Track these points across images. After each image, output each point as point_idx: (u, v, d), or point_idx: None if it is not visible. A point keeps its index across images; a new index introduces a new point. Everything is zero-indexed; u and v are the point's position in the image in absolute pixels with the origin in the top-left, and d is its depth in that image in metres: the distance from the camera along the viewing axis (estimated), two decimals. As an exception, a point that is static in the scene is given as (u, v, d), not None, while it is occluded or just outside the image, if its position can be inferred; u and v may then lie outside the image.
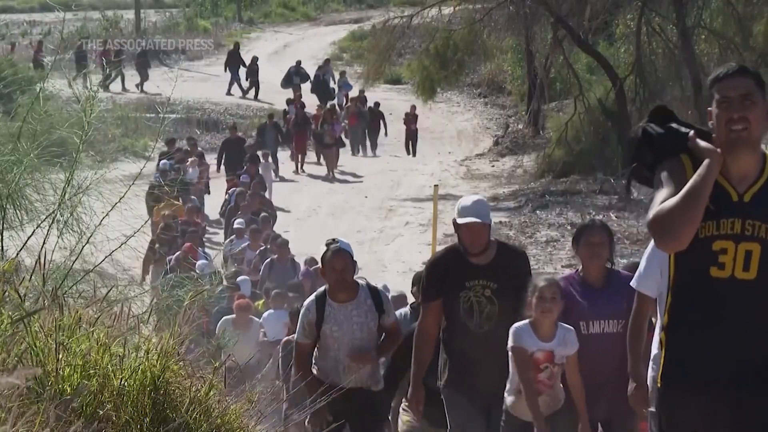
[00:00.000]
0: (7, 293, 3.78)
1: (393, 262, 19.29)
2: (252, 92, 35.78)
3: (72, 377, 3.72)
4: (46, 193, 5.46)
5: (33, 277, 4.26)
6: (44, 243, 5.12)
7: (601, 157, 24.86)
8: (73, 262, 5.26)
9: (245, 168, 22.05)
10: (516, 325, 6.38)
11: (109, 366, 3.82)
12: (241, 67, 35.86)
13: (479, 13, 27.16)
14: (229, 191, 20.69)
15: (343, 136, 29.10)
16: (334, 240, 7.00)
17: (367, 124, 30.88)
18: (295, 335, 7.15)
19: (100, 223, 5.40)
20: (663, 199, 3.80)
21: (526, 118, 31.53)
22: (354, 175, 27.73)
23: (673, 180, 3.85)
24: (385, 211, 23.71)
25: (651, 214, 3.79)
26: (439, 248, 19.39)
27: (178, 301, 4.91)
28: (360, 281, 7.11)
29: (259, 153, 24.12)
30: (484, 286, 6.50)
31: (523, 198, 23.59)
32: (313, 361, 7.05)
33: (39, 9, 46.51)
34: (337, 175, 27.61)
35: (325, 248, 6.91)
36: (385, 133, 31.23)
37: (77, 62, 34.31)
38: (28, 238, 5.26)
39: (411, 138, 31.18)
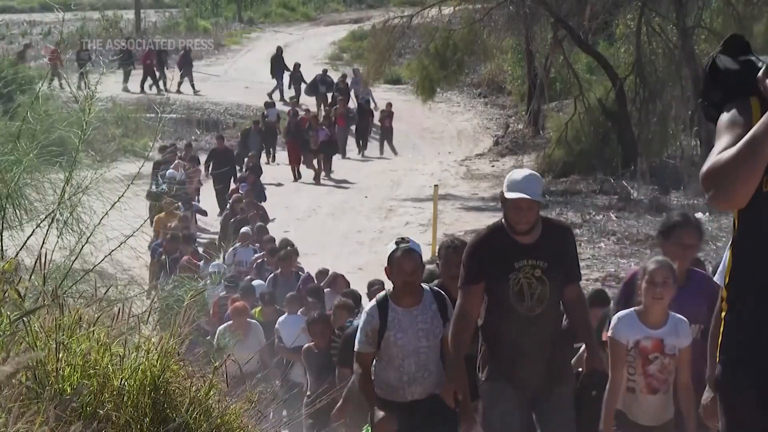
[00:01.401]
0: (7, 293, 3.78)
1: (393, 262, 19.26)
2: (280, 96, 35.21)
3: (72, 377, 3.71)
4: (45, 192, 5.45)
5: (33, 277, 4.25)
6: (44, 243, 5.12)
7: (601, 157, 24.86)
8: (73, 262, 5.26)
9: (245, 176, 22.07)
10: (620, 312, 5.93)
11: (109, 366, 3.81)
12: (284, 72, 35.21)
13: (479, 13, 27.15)
14: (230, 200, 20.73)
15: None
16: (404, 239, 6.46)
17: (357, 124, 30.63)
18: (356, 345, 6.46)
19: (99, 223, 5.40)
20: (721, 150, 3.20)
21: (526, 118, 31.53)
22: (346, 182, 27.35)
23: (736, 127, 3.24)
24: (385, 211, 23.70)
25: (705, 166, 3.19)
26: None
27: (178, 300, 4.91)
28: (423, 285, 6.52)
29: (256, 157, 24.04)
30: (533, 266, 6.03)
31: (523, 198, 23.56)
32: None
33: (39, 9, 46.50)
34: (326, 181, 27.24)
35: (394, 247, 6.36)
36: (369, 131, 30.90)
37: (78, 62, 34.40)
38: (28, 237, 5.26)
39: (386, 136, 30.89)
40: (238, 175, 23.88)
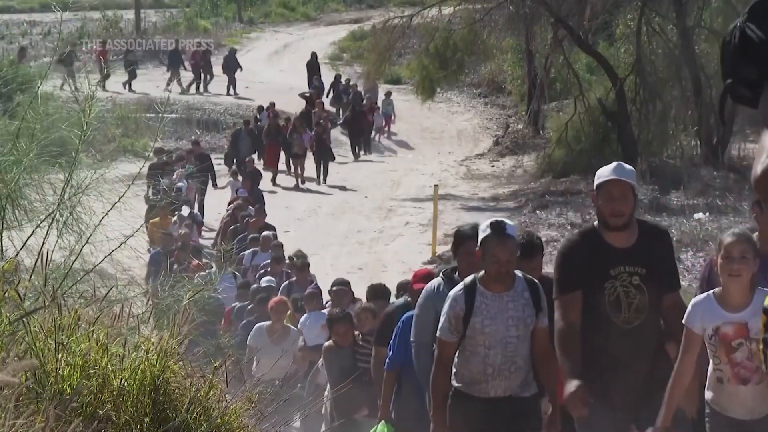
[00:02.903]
0: (6, 293, 3.78)
1: (393, 262, 19.28)
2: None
3: (72, 377, 3.71)
4: (45, 193, 5.46)
5: (33, 277, 4.25)
6: (44, 243, 5.12)
7: (601, 157, 24.81)
8: (73, 262, 5.26)
9: (240, 182, 21.87)
10: (696, 297, 5.35)
11: (108, 366, 3.81)
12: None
13: (479, 13, 27.15)
14: (228, 206, 20.42)
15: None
16: (499, 221, 5.78)
17: (348, 127, 30.31)
18: (438, 332, 5.88)
19: (99, 223, 5.40)
20: None
21: (526, 118, 31.53)
22: (345, 183, 27.09)
23: None
24: (385, 211, 23.70)
25: (758, 167, 2.59)
26: (439, 249, 19.61)
27: (177, 300, 4.91)
28: (516, 272, 5.91)
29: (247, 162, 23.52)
30: (631, 273, 5.54)
31: (523, 198, 23.59)
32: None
33: (39, 9, 46.50)
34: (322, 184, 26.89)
35: (488, 230, 5.71)
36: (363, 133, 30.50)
37: (125, 63, 34.91)
38: (28, 238, 5.26)
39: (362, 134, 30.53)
40: (235, 177, 23.62)
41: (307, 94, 32.00)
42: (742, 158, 25.00)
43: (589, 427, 5.57)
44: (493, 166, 28.53)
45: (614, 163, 5.73)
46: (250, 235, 16.33)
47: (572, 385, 5.38)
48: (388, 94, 32.81)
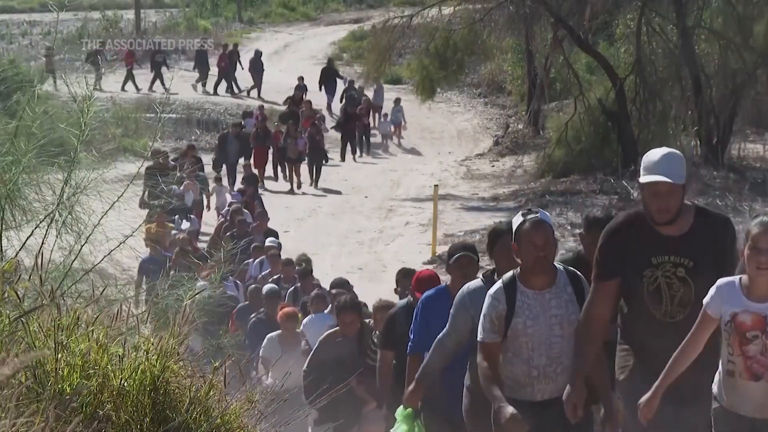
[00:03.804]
0: (6, 293, 3.78)
1: (393, 263, 19.26)
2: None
3: (71, 377, 3.71)
4: (44, 192, 5.45)
5: (32, 277, 4.25)
6: (43, 243, 5.11)
7: (601, 157, 24.87)
8: (72, 262, 5.25)
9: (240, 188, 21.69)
10: (721, 279, 4.96)
11: (108, 366, 3.81)
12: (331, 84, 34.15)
13: (479, 13, 27.13)
14: (223, 211, 20.25)
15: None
16: (530, 209, 5.60)
17: (341, 129, 30.01)
18: (479, 334, 5.59)
19: (98, 223, 5.39)
20: None
21: (526, 118, 31.53)
22: (343, 184, 26.98)
23: None
24: (385, 211, 23.70)
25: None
26: (439, 249, 19.61)
27: (177, 300, 4.90)
28: (557, 264, 5.65)
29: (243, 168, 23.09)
30: (676, 264, 5.11)
31: (523, 198, 23.58)
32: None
33: (39, 9, 46.52)
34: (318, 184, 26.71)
35: (520, 219, 5.50)
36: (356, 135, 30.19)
37: (153, 64, 34.99)
38: (27, 238, 5.26)
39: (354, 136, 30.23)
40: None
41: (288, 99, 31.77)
42: (742, 158, 25.00)
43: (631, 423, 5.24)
44: (493, 166, 28.52)
45: (665, 154, 5.14)
46: (254, 243, 16.20)
47: (577, 388, 5.18)
48: (398, 101, 32.28)
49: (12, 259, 4.63)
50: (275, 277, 14.33)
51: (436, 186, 21.23)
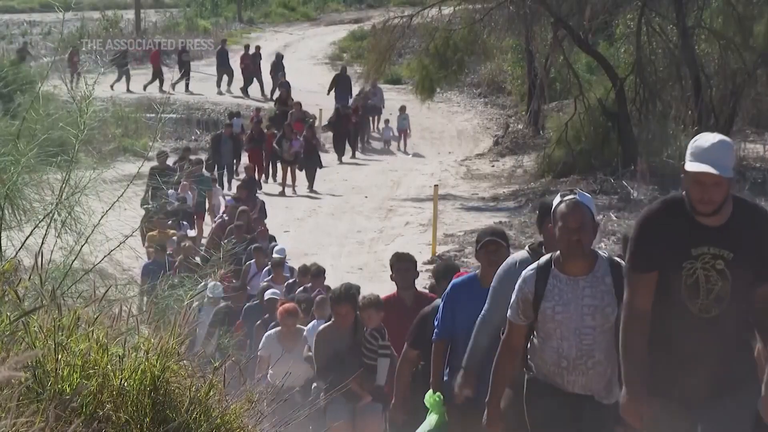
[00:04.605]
0: (6, 293, 3.78)
1: (393, 262, 19.25)
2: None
3: (71, 377, 3.71)
4: (44, 192, 5.45)
5: (32, 277, 4.25)
6: (43, 243, 5.11)
7: (601, 157, 24.86)
8: (72, 262, 5.25)
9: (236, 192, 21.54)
10: None
11: (108, 366, 3.81)
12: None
13: (479, 13, 27.13)
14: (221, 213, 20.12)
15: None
16: (571, 190, 5.35)
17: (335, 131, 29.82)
18: (508, 311, 5.41)
19: (98, 223, 5.39)
20: None
21: (526, 118, 31.53)
22: (332, 195, 26.53)
23: None
24: (385, 211, 23.70)
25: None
26: (440, 249, 19.65)
27: (178, 300, 4.90)
28: (600, 252, 5.40)
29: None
30: (715, 256, 4.79)
31: (523, 198, 23.58)
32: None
33: (39, 9, 46.51)
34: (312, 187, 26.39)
35: (558, 200, 5.26)
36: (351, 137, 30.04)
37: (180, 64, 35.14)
38: (27, 237, 5.26)
39: (348, 136, 30.17)
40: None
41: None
42: (742, 158, 25.00)
43: (652, 426, 4.96)
44: (493, 166, 28.53)
45: (715, 142, 4.80)
46: (255, 245, 16.14)
47: (632, 392, 4.85)
48: (403, 108, 31.92)
49: (12, 259, 4.62)
50: (301, 288, 14.05)
51: (436, 186, 21.24)
